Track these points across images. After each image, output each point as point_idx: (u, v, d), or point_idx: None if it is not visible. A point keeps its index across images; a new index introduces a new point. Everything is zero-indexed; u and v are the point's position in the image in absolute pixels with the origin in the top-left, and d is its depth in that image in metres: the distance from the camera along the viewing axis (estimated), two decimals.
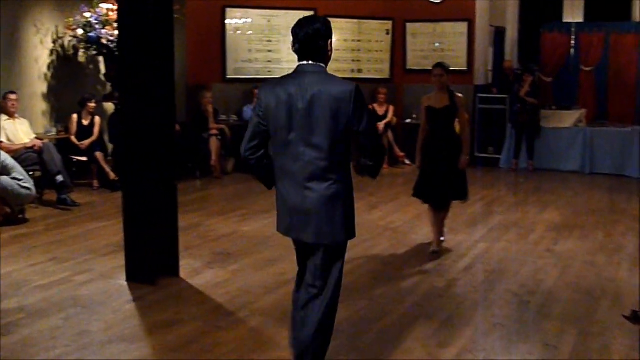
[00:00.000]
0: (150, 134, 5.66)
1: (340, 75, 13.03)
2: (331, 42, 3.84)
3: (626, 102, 13.03)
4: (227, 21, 11.91)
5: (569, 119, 12.25)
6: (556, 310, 5.31)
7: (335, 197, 3.73)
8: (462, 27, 12.72)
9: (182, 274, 5.99)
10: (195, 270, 6.17)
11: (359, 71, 12.43)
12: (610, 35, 13.09)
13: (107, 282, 5.79)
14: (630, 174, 11.51)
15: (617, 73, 13.08)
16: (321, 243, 3.78)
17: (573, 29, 13.35)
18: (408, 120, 12.43)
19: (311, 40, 3.73)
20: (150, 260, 5.76)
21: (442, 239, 6.97)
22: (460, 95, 6.74)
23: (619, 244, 7.29)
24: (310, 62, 3.76)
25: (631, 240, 7.41)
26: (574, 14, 13.83)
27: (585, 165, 11.91)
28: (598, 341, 4.70)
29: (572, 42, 13.35)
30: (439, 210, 6.88)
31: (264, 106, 3.77)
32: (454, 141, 6.72)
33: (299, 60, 3.79)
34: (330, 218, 3.73)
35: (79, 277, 5.93)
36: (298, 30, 3.76)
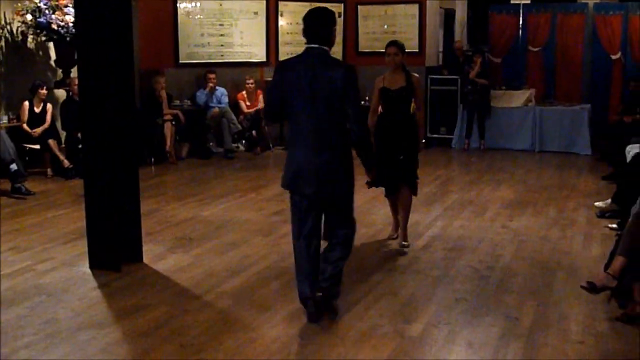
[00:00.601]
0: (111, 119, 5.62)
1: None
2: (335, 28, 4.58)
3: (573, 80, 13.38)
4: (178, 5, 11.80)
5: (518, 98, 12.49)
6: (515, 283, 5.48)
7: (335, 159, 4.52)
8: (413, 9, 12.81)
9: (145, 259, 5.99)
10: (158, 255, 6.17)
11: None
12: (556, 15, 13.38)
13: (70, 270, 5.76)
14: (578, 151, 11.82)
15: (564, 53, 13.39)
16: (326, 194, 4.56)
17: (521, 10, 13.58)
18: (362, 103, 12.47)
19: (318, 27, 4.49)
20: (114, 247, 5.74)
21: (404, 243, 6.40)
22: (416, 75, 6.37)
23: (571, 218, 7.52)
24: (316, 45, 4.49)
25: (582, 215, 7.64)
26: None
27: (535, 144, 12.18)
28: (557, 311, 4.87)
29: (520, 22, 13.58)
30: (392, 195, 6.54)
31: (278, 82, 4.55)
32: (410, 124, 6.32)
33: (307, 43, 4.52)
34: (332, 175, 4.53)
35: (40, 265, 5.88)
36: (307, 18, 4.52)
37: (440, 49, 13.94)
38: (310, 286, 4.66)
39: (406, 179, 6.36)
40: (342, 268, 4.81)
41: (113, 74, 5.60)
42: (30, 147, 9.71)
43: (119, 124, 5.68)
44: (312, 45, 4.50)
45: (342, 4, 12.95)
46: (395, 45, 6.23)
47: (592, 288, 4.78)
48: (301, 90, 4.44)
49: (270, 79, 11.99)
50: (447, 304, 5.04)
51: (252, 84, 12.05)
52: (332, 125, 4.49)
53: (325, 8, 4.61)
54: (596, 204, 7.83)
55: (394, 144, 6.28)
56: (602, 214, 7.49)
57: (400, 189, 6.42)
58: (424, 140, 6.64)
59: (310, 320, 4.65)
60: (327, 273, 4.69)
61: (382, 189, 6.56)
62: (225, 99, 11.79)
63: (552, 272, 5.76)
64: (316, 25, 4.50)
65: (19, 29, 10.09)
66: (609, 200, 7.58)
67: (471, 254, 6.24)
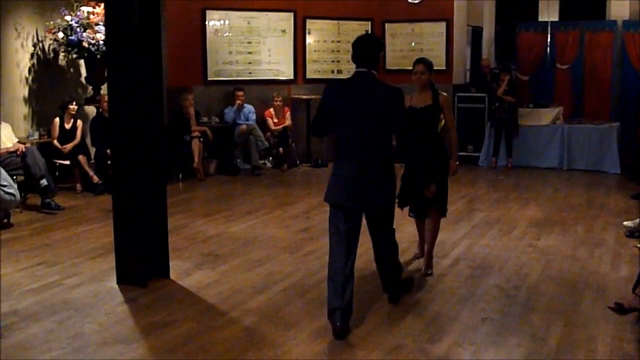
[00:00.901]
0: (139, 135, 5.69)
1: (319, 77, 13.11)
2: (382, 54, 5.03)
3: (601, 98, 13.29)
4: (207, 23, 11.94)
5: (546, 116, 12.43)
6: (542, 303, 5.43)
7: (378, 175, 4.81)
8: (441, 27, 12.86)
9: (172, 275, 6.04)
10: (185, 271, 6.22)
11: (339, 72, 12.48)
12: (585, 33, 13.33)
13: (98, 285, 5.82)
14: (606, 170, 11.71)
15: (592, 70, 13.31)
16: (366, 208, 4.89)
17: (549, 28, 13.54)
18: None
19: (366, 53, 4.84)
20: (141, 262, 5.80)
21: (428, 272, 6.19)
22: (444, 94, 6.13)
23: (599, 238, 7.45)
24: (364, 69, 4.81)
25: (610, 234, 7.56)
26: (549, 13, 14.03)
27: (563, 162, 12.09)
28: (584, 332, 4.82)
29: (548, 40, 13.55)
30: (421, 219, 6.39)
31: (327, 101, 4.88)
32: (437, 144, 6.07)
33: (357, 67, 4.85)
34: (374, 189, 4.81)
35: (69, 280, 5.95)
36: (357, 44, 4.88)
37: (468, 67, 13.93)
38: (342, 297, 4.74)
39: (435, 204, 6.13)
40: (398, 262, 5.45)
41: (142, 91, 5.67)
42: (60, 163, 9.85)
43: (148, 141, 5.75)
44: (361, 70, 4.83)
45: (370, 22, 13.00)
46: (423, 62, 6.05)
47: (619, 309, 4.75)
48: (351, 109, 4.77)
49: (297, 96, 12.27)
50: (473, 324, 5.02)
51: (279, 101, 12.12)
52: (378, 143, 4.81)
53: (373, 35, 5.15)
54: (625, 223, 7.76)
55: (421, 164, 5.96)
56: (631, 233, 7.42)
57: (428, 213, 6.24)
58: (458, 162, 6.39)
59: (336, 334, 4.71)
60: (389, 274, 5.34)
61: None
62: (253, 116, 11.87)
63: (580, 292, 5.70)
64: (365, 51, 4.85)
65: (51, 47, 10.29)
66: (638, 220, 7.50)
67: (498, 273, 6.21)
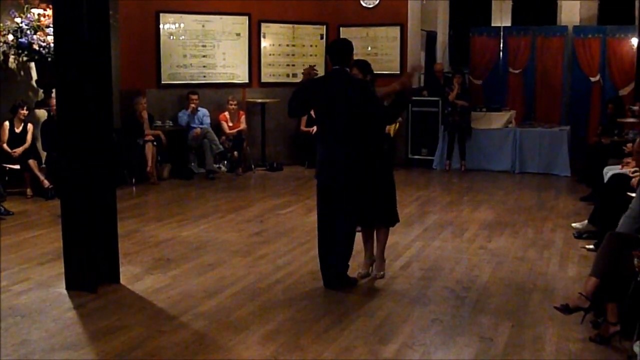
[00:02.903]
0: (88, 138, 5.63)
1: (274, 80, 13.15)
2: (353, 55, 5.89)
3: (553, 102, 13.53)
4: (161, 26, 11.84)
5: (498, 120, 12.58)
6: (491, 304, 5.50)
7: (349, 156, 5.65)
8: (395, 31, 12.92)
9: (123, 280, 5.97)
10: (135, 276, 6.16)
11: (294, 75, 12.45)
12: (536, 38, 13.55)
13: (46, 291, 5.74)
14: (557, 173, 11.90)
15: (544, 75, 13.55)
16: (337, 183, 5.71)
17: (501, 33, 13.74)
18: None
19: (339, 53, 5.79)
20: (90, 268, 5.72)
21: (378, 273, 6.19)
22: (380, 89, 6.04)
23: (548, 239, 7.57)
24: (339, 67, 5.75)
25: (559, 236, 7.69)
26: (502, 18, 14.23)
27: (515, 165, 12.25)
28: (531, 332, 4.90)
29: (501, 45, 13.74)
30: (368, 228, 6.23)
31: (307, 95, 5.83)
32: (381, 150, 6.03)
33: (333, 65, 5.82)
34: (343, 168, 5.68)
35: (16, 286, 5.85)
36: (332, 46, 6.09)
37: (422, 71, 14.05)
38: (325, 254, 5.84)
39: (382, 218, 6.14)
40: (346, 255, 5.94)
41: (90, 94, 5.60)
42: (10, 167, 9.68)
43: (96, 145, 5.68)
44: (336, 67, 5.77)
45: (325, 26, 13.03)
46: (356, 65, 6.04)
47: (565, 309, 4.82)
48: (329, 99, 5.67)
49: (252, 99, 12.24)
50: (423, 325, 5.06)
51: (234, 105, 12.07)
52: (350, 128, 5.64)
53: (345, 39, 6.25)
54: (573, 225, 7.90)
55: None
56: (579, 235, 7.55)
57: (377, 227, 6.20)
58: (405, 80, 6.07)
59: (326, 285, 5.84)
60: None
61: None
62: (207, 120, 11.82)
63: (528, 293, 5.79)
64: (339, 52, 5.80)
65: (0, 49, 10.09)
66: (586, 222, 7.64)
67: (448, 275, 6.27)
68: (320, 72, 12.67)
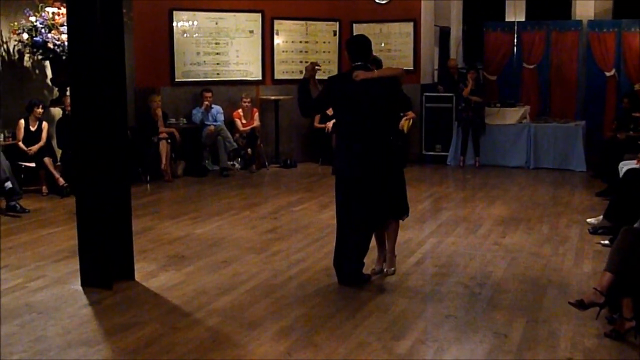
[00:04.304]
0: (103, 137, 5.66)
1: (288, 77, 13.17)
2: (372, 51, 5.90)
3: (567, 97, 13.41)
4: (174, 24, 11.88)
5: (513, 115, 12.54)
6: (505, 300, 5.49)
7: (371, 151, 5.67)
8: (408, 27, 12.92)
9: (138, 277, 6.00)
10: (150, 273, 6.19)
11: None
12: (551, 33, 13.44)
13: (62, 288, 5.78)
14: (572, 168, 11.85)
15: (559, 70, 13.44)
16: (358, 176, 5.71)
17: (515, 28, 13.67)
18: None
19: (360, 50, 5.79)
20: (106, 265, 5.75)
21: (389, 269, 6.18)
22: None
23: (563, 235, 7.53)
24: (360, 63, 5.71)
25: (575, 231, 7.66)
26: (516, 13, 14.15)
27: (530, 160, 12.21)
28: (546, 328, 4.88)
29: (515, 40, 13.66)
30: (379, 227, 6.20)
31: (329, 92, 5.79)
32: (391, 146, 5.98)
33: (353, 62, 5.77)
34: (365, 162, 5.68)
35: (32, 283, 5.90)
36: (351, 43, 5.98)
37: (436, 67, 14.01)
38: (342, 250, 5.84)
39: (392, 212, 6.15)
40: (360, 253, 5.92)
41: (105, 92, 5.63)
42: (25, 165, 9.74)
43: (111, 142, 5.71)
44: (358, 64, 5.71)
45: (338, 23, 13.03)
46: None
47: (580, 304, 4.79)
48: (350, 97, 5.66)
49: (265, 96, 12.26)
50: (437, 321, 5.06)
51: (248, 102, 12.09)
52: (375, 124, 5.68)
53: (363, 35, 6.01)
54: (588, 220, 7.87)
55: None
56: (595, 230, 7.51)
57: (387, 223, 6.19)
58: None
59: (340, 281, 5.83)
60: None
61: None
62: (221, 117, 11.84)
63: (543, 288, 5.77)
64: (362, 48, 5.79)
65: (16, 48, 10.16)
66: (602, 217, 7.60)
67: (462, 271, 6.26)
68: (333, 68, 13.04)
